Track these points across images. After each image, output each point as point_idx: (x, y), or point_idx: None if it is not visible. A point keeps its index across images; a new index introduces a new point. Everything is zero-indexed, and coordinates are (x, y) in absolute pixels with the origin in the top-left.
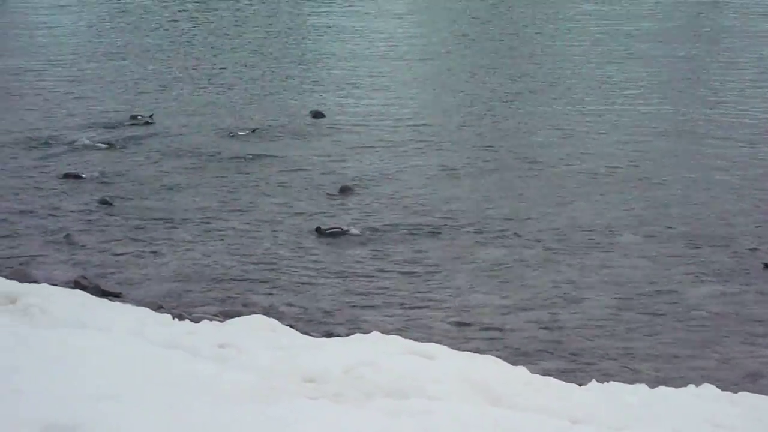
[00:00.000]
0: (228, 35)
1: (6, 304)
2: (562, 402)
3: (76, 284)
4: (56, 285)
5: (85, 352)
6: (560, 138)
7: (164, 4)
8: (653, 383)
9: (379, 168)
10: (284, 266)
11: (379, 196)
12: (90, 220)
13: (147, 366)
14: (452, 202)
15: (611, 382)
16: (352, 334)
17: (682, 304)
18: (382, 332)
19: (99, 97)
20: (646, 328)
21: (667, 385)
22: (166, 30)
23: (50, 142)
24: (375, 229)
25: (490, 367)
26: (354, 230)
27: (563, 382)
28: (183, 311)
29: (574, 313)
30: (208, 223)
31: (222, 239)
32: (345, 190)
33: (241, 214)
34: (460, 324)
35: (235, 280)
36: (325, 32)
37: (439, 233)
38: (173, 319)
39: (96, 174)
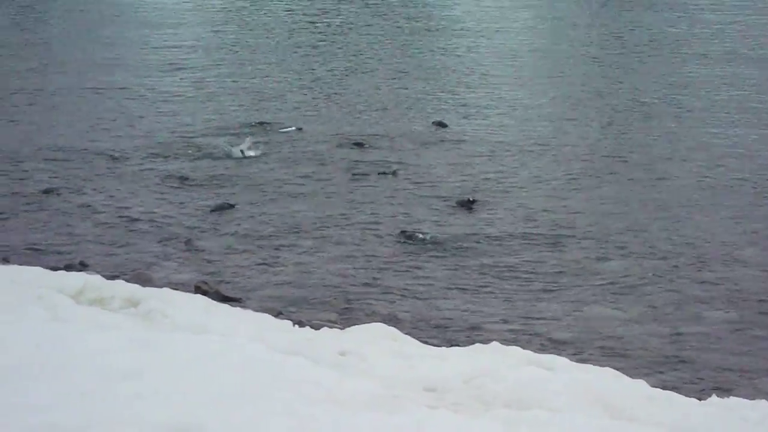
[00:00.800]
0: (344, 40)
1: (128, 307)
2: (681, 416)
3: (197, 289)
4: (177, 289)
5: (207, 356)
6: (684, 150)
7: (279, 8)
8: None
9: (499, 178)
10: (403, 274)
11: (499, 205)
12: (211, 225)
13: (268, 372)
14: (573, 213)
15: (731, 398)
16: (472, 343)
17: None
18: (502, 342)
19: (222, 103)
20: (767, 343)
21: None
22: (283, 34)
23: (174, 146)
24: (495, 238)
25: (609, 379)
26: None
27: (683, 396)
28: (303, 318)
29: (694, 326)
30: (327, 230)
31: (341, 246)
32: (465, 202)
33: (361, 222)
34: (579, 335)
35: (354, 286)
36: (447, 34)
37: (559, 243)
38: (293, 325)
39: (219, 179)
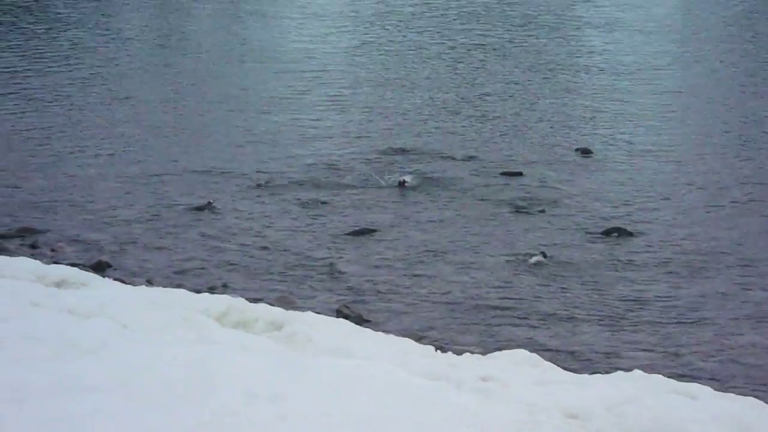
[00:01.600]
0: (484, 64)
1: (271, 330)
2: None
3: (339, 312)
4: (319, 313)
5: (351, 380)
6: None
7: (416, 31)
8: None
9: (643, 206)
10: (543, 300)
11: (643, 234)
12: (354, 250)
13: (411, 396)
14: (717, 242)
15: None
16: (612, 370)
17: None
18: (643, 370)
19: (364, 127)
20: None
21: None
22: (419, 59)
23: (316, 170)
24: (637, 266)
25: (754, 409)
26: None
27: None
28: (443, 342)
29: None
30: (468, 255)
31: (482, 271)
32: (612, 230)
33: (502, 248)
34: (722, 364)
35: (494, 310)
36: (587, 57)
37: (703, 272)
38: (435, 350)
39: (362, 205)
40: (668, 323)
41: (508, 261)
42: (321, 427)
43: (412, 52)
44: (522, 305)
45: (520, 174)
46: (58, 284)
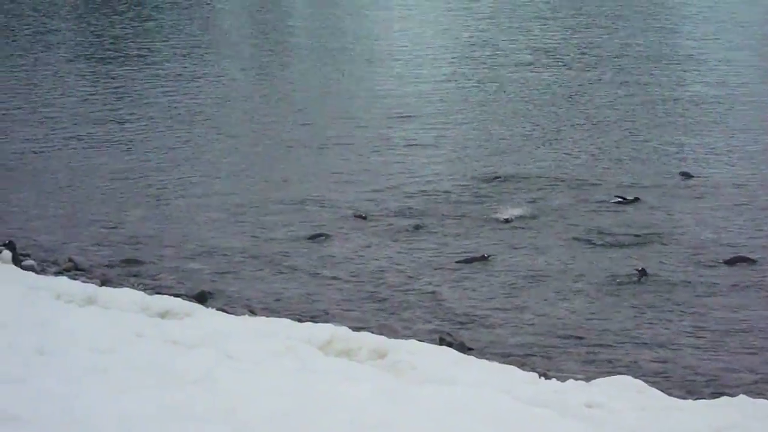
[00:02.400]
0: (579, 87)
1: (375, 359)
2: None
3: (441, 340)
4: (422, 341)
5: (456, 408)
6: None
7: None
8: None
9: (749, 230)
10: (644, 325)
11: (750, 260)
12: (457, 277)
13: (519, 423)
14: None
15: None
16: (717, 395)
17: None
18: (748, 395)
19: (463, 153)
20: None
21: None
22: (513, 83)
23: (416, 196)
24: (742, 289)
25: None
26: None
27: None
28: (546, 368)
29: None
30: (571, 281)
31: (584, 297)
32: (733, 261)
33: (604, 274)
34: None
35: (596, 335)
36: (685, 77)
37: None
38: (539, 377)
39: (462, 233)
40: None
41: (608, 285)
42: None
43: (498, 77)
44: (623, 329)
45: (636, 200)
46: (162, 315)
